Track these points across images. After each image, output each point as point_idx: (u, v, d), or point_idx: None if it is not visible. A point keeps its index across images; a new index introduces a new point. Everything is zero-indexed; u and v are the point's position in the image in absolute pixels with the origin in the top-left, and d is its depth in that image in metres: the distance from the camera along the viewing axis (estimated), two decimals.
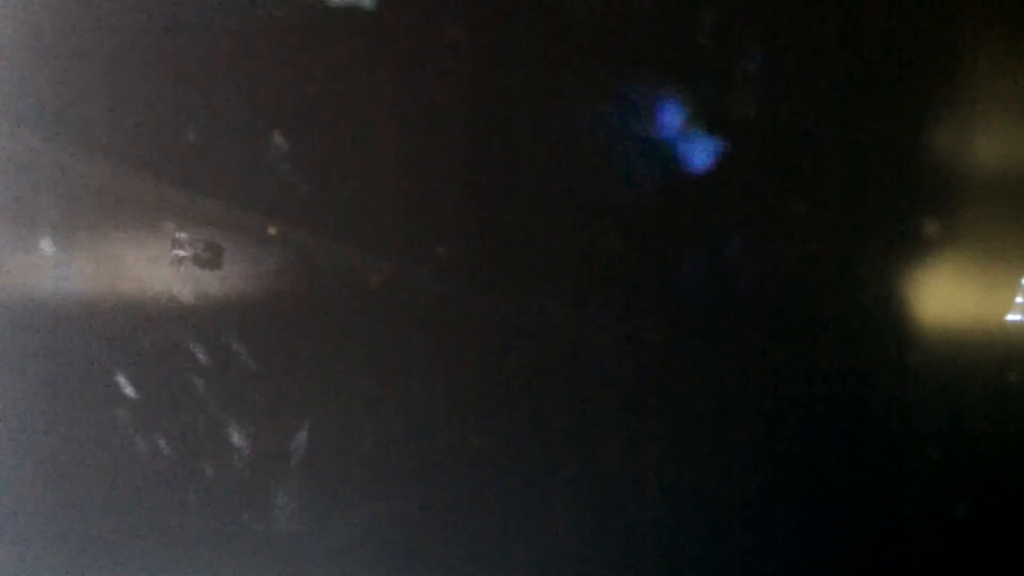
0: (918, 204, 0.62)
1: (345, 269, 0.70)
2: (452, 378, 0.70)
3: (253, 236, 0.70)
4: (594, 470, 0.67)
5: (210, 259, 0.69)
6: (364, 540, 0.71)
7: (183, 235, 0.67)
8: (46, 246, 0.63)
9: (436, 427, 0.70)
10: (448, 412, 0.70)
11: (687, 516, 0.66)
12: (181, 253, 0.68)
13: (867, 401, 0.64)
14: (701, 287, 0.66)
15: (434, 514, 0.70)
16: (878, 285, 0.63)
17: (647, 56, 0.66)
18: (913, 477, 0.64)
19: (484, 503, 0.69)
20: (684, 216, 0.66)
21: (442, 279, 0.68)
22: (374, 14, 0.66)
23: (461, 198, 0.69)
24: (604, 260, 0.67)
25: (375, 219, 0.70)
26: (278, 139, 0.69)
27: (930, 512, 0.63)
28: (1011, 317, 0.62)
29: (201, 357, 0.69)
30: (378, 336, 0.70)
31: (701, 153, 0.66)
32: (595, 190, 0.67)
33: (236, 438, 0.71)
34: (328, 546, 0.71)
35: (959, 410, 0.63)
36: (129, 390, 0.66)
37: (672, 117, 0.66)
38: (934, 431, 0.63)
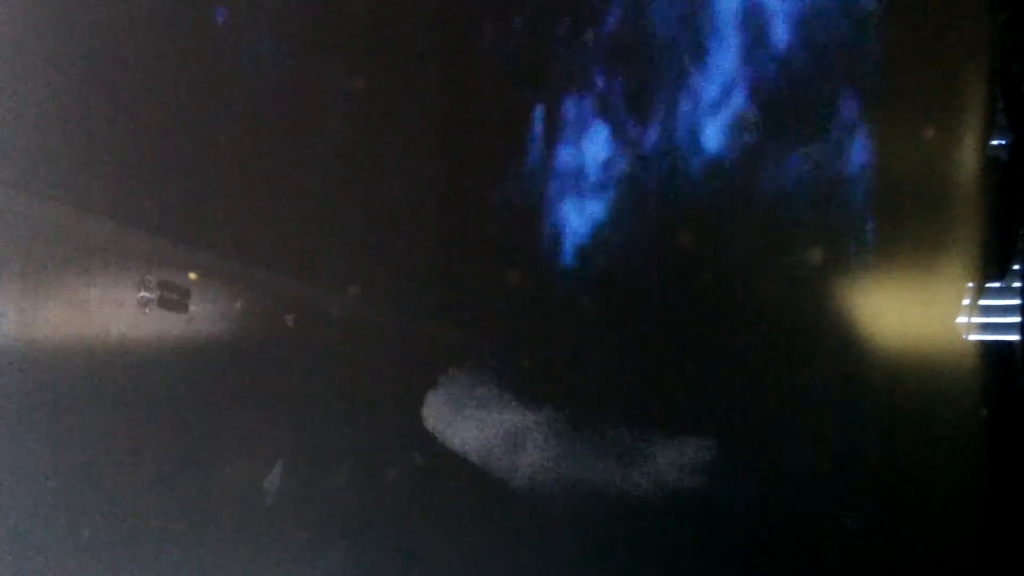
0: (865, 214, 0.62)
1: (315, 308, 0.70)
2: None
3: (221, 278, 0.70)
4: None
5: (177, 301, 0.70)
6: None
7: (150, 277, 0.69)
8: (11, 290, 0.67)
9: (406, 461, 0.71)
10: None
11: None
12: (147, 295, 0.70)
13: (817, 409, 0.64)
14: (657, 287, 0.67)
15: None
16: (827, 295, 0.63)
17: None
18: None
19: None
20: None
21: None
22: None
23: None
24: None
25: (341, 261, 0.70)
26: (245, 184, 0.69)
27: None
28: (960, 320, 0.63)
29: (169, 397, 0.70)
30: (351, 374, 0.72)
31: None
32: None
33: (207, 477, 0.72)
34: None
35: (907, 416, 0.62)
36: (98, 431, 0.69)
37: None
38: (882, 437, 0.63)
